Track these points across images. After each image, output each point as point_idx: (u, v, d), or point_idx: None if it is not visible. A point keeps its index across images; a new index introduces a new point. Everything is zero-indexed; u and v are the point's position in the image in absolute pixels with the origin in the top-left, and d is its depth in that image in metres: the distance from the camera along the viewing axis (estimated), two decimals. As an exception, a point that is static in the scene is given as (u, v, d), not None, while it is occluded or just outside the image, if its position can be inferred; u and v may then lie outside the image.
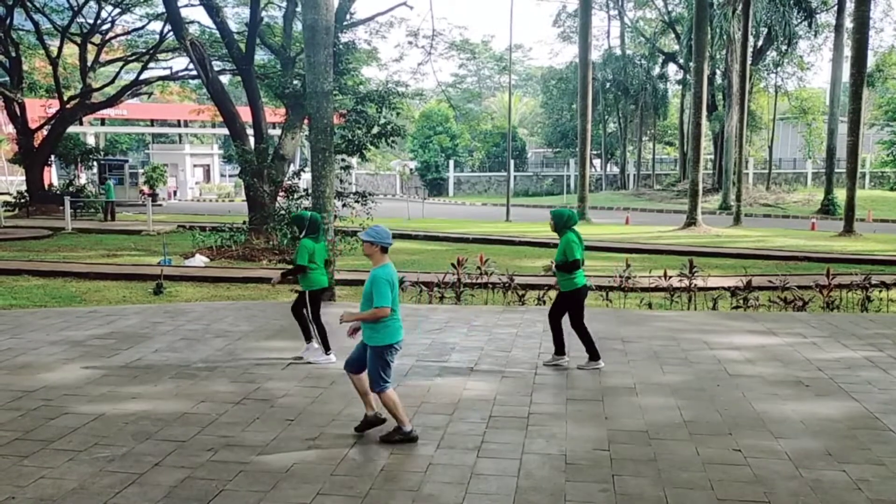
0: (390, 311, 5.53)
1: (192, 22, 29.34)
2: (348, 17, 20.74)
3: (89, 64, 33.41)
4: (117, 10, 33.45)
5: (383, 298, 5.49)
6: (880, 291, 12.39)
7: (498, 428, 6.07)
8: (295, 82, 21.17)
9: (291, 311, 8.25)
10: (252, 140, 23.01)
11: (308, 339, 8.12)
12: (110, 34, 35.35)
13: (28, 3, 30.98)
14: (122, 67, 36.60)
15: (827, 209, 37.63)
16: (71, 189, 33.51)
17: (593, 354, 7.84)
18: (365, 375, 5.82)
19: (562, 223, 7.87)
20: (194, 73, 27.80)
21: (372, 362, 5.67)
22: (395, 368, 7.76)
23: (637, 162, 60.25)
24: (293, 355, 8.24)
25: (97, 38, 34.30)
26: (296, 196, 17.72)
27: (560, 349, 7.98)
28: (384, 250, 5.64)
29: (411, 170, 63.88)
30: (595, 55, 50.26)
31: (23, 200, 32.62)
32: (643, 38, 55.91)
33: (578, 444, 5.68)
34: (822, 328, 9.87)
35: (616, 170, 62.72)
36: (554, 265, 7.89)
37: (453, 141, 62.01)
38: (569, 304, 7.85)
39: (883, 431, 6.01)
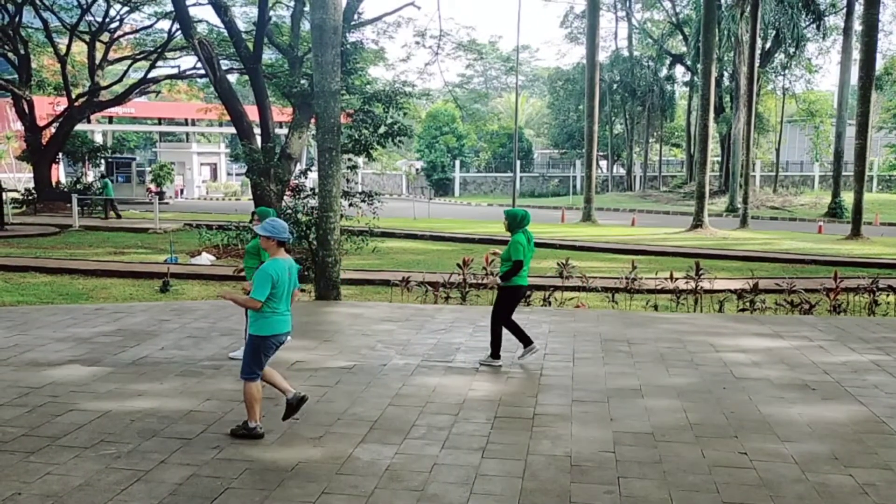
0: (261, 305, 5.62)
1: (200, 21, 29.42)
2: (356, 16, 20.74)
3: (97, 62, 33.52)
4: (126, 9, 33.55)
5: (257, 291, 5.59)
6: (887, 295, 12.35)
7: (503, 429, 6.06)
8: (302, 81, 21.21)
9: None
10: (259, 139, 23.04)
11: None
12: (119, 32, 35.46)
13: (37, 1, 31.10)
14: (130, 66, 36.70)
15: (834, 212, 37.48)
16: (78, 187, 33.63)
17: (496, 352, 7.98)
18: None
19: (515, 223, 7.91)
20: (202, 71, 27.88)
21: (246, 349, 5.80)
22: (400, 368, 7.80)
23: (644, 163, 60.12)
24: (297, 357, 8.25)
25: (105, 37, 34.42)
26: (302, 195, 17.72)
27: (525, 340, 8.03)
28: (280, 244, 5.77)
29: (417, 170, 63.87)
30: (602, 56, 50.17)
31: (30, 198, 32.72)
32: (651, 39, 55.80)
33: (584, 446, 5.67)
34: (829, 331, 9.83)
35: (622, 171, 62.62)
36: (501, 263, 8.00)
37: (460, 141, 61.97)
38: (508, 301, 7.94)
39: (890, 436, 5.98)
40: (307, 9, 20.11)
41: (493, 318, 7.99)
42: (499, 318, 7.95)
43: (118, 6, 33.19)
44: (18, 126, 37.11)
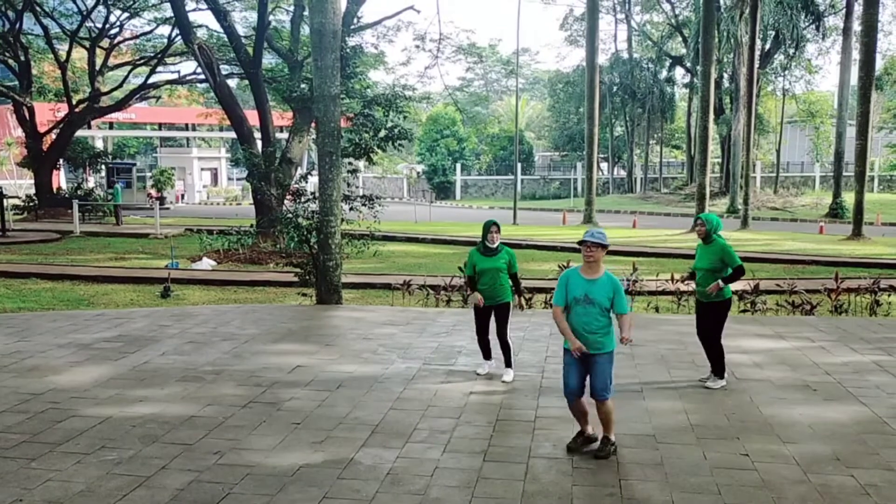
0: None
1: (200, 26, 29.50)
2: (356, 21, 20.78)
3: (98, 68, 33.60)
4: (126, 15, 33.66)
5: (627, 304, 5.61)
6: (889, 295, 12.33)
7: (504, 431, 6.06)
8: (302, 86, 21.25)
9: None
10: (259, 143, 23.08)
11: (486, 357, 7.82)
12: (119, 38, 35.56)
13: (37, 8, 31.18)
14: (130, 71, 36.81)
15: (835, 213, 37.45)
16: (79, 193, 33.68)
17: (723, 370, 7.38)
18: (586, 398, 5.65)
19: (715, 228, 7.31)
20: (202, 76, 27.94)
21: (607, 368, 5.52)
22: (402, 372, 7.80)
23: (644, 165, 60.11)
24: (298, 361, 8.25)
25: (106, 43, 34.51)
26: (303, 199, 17.86)
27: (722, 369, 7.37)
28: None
29: (418, 173, 63.87)
30: (602, 59, 50.22)
31: (31, 204, 32.79)
32: (650, 41, 55.86)
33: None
34: (831, 332, 9.82)
35: (623, 173, 62.60)
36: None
37: (460, 144, 61.99)
38: (726, 313, 7.34)
39: (892, 436, 5.97)
40: (307, 13, 20.15)
41: (714, 336, 7.30)
42: (720, 333, 7.30)
43: (118, 12, 33.29)
44: (19, 132, 37.18)
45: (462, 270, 12.36)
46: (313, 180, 15.17)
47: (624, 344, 5.52)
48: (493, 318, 7.64)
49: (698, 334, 7.49)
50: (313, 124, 17.01)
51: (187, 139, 57.62)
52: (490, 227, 7.43)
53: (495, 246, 7.45)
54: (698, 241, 7.44)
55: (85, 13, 32.67)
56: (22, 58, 32.60)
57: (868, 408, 6.66)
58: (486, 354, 7.80)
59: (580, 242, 5.59)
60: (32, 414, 6.40)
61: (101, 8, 32.66)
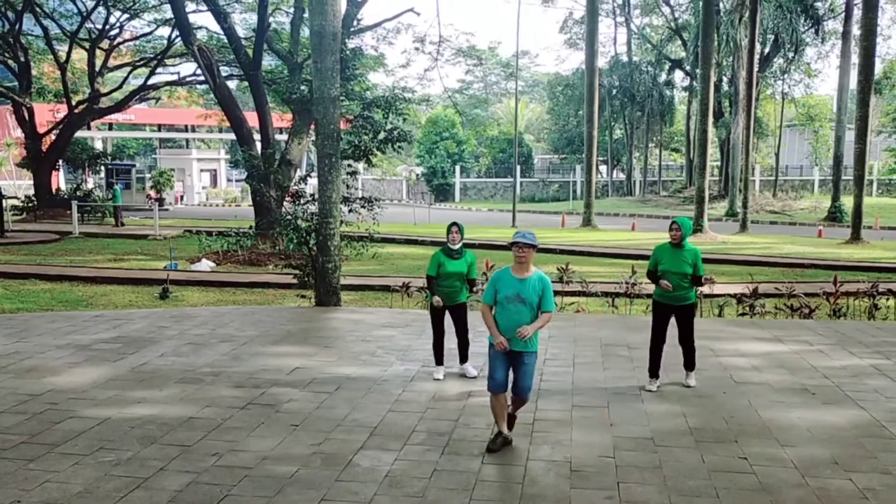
0: None
1: (199, 28, 29.53)
2: (355, 23, 20.82)
3: (98, 69, 33.62)
4: (126, 16, 33.69)
5: (553, 303, 5.65)
6: (887, 299, 12.34)
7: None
8: (302, 88, 21.26)
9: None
10: (259, 145, 23.10)
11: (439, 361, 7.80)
12: (119, 39, 35.58)
13: (37, 9, 31.20)
14: (130, 72, 36.83)
15: (834, 216, 37.49)
16: (78, 193, 33.68)
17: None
18: (508, 393, 5.74)
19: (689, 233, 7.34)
20: (202, 78, 27.99)
21: (532, 368, 5.66)
22: (401, 374, 7.80)
23: (643, 168, 60.11)
24: (297, 363, 8.24)
25: (105, 44, 34.53)
26: (302, 201, 17.95)
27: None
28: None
29: (417, 175, 63.89)
30: (601, 62, 50.23)
31: (31, 205, 32.78)
32: (650, 44, 55.88)
33: (584, 451, 5.67)
34: (829, 336, 9.83)
35: (622, 176, 62.62)
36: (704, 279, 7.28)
37: (460, 146, 62.02)
38: (692, 316, 7.48)
39: (890, 440, 5.97)
40: (307, 15, 20.17)
41: (692, 337, 7.46)
42: (693, 333, 7.46)
43: (118, 13, 33.31)
44: (19, 133, 37.20)
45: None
46: (312, 182, 15.18)
47: (520, 337, 5.50)
48: (450, 321, 7.74)
49: (657, 337, 7.46)
50: (313, 126, 17.03)
51: (187, 140, 57.63)
52: (451, 227, 7.47)
53: (457, 247, 7.48)
54: (664, 243, 7.45)
55: (85, 14, 32.68)
56: (22, 58, 32.61)
57: (866, 411, 6.66)
58: (441, 359, 7.79)
59: (512, 244, 5.72)
60: (31, 415, 6.39)
61: (100, 9, 32.69)
